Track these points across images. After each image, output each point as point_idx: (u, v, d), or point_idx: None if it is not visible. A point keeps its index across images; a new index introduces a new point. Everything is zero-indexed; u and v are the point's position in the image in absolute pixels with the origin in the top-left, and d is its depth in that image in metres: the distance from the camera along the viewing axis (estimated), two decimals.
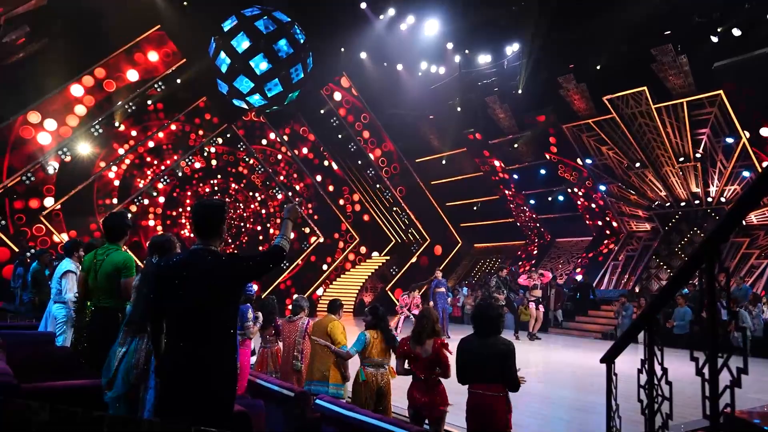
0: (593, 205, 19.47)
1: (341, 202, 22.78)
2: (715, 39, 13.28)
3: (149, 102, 17.52)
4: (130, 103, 16.88)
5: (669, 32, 14.10)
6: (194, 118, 19.17)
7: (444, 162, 21.84)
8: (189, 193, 20.15)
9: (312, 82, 16.68)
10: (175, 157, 19.17)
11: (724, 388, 2.68)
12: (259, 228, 21.73)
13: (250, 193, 21.59)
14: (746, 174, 15.11)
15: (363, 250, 22.97)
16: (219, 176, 20.82)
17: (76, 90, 15.91)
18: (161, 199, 19.51)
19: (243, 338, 6.08)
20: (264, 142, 21.28)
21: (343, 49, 19.21)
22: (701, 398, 2.78)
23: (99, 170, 17.31)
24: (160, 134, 18.76)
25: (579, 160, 18.24)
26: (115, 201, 17.85)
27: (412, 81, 19.83)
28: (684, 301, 13.44)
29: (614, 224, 19.22)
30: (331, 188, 22.46)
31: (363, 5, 17.47)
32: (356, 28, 18.05)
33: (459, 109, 19.48)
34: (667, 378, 3.33)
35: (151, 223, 19.30)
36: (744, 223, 15.51)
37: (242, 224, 21.61)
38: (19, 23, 13.37)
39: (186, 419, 2.85)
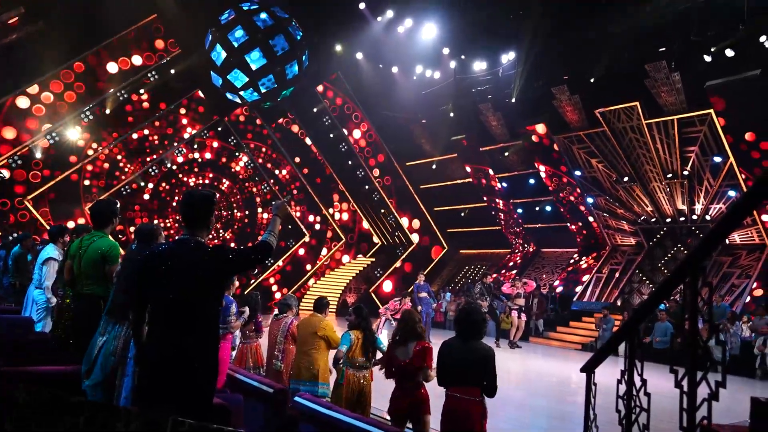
0: (579, 217, 19.60)
1: (329, 201, 22.77)
2: (708, 58, 13.42)
3: (141, 91, 17.41)
4: (122, 91, 16.77)
5: (663, 49, 14.23)
6: (186, 110, 19.07)
7: (434, 167, 21.89)
8: (177, 185, 20.02)
9: (307, 79, 16.65)
10: (165, 148, 19.05)
11: (701, 401, 2.71)
12: (247, 221, 21.64)
13: (239, 187, 21.50)
14: (732, 193, 15.28)
15: (348, 252, 22.96)
16: (208, 169, 20.73)
17: (68, 74, 15.77)
18: (149, 188, 19.36)
19: (224, 332, 6.05)
20: (255, 137, 21.20)
21: (339, 49, 19.21)
22: (679, 411, 2.80)
23: (87, 157, 17.15)
24: (151, 124, 18.63)
25: (568, 172, 18.35)
26: (101, 188, 17.70)
27: (406, 84, 19.86)
28: (665, 316, 13.58)
29: (600, 237, 19.37)
30: (319, 188, 22.42)
31: (362, 5, 17.49)
32: (354, 28, 18.07)
33: (452, 114, 19.54)
34: (646, 389, 3.34)
35: (137, 212, 19.15)
36: (727, 242, 15.69)
37: (230, 218, 21.52)
38: (13, 4, 13.23)
39: (166, 409, 2.84)
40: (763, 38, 12.65)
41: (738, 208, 2.79)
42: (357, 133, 22.26)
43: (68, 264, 5.04)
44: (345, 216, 23.03)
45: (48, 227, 15.16)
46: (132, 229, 18.17)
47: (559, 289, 18.89)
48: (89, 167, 17.47)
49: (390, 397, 4.92)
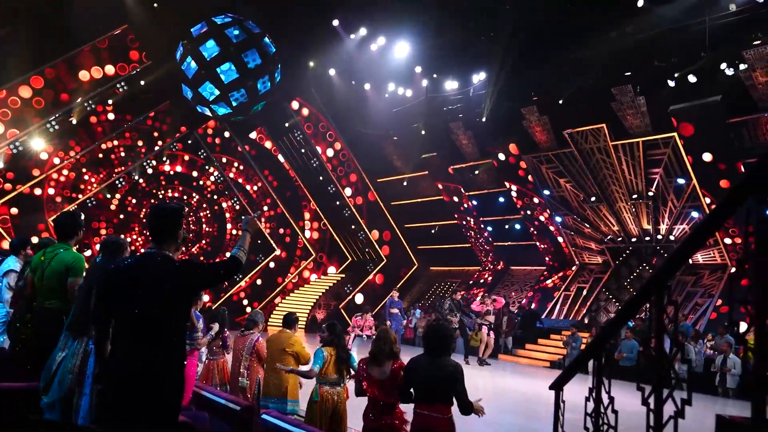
0: (548, 236, 19.86)
1: (299, 217, 22.61)
2: (672, 83, 13.84)
3: (110, 102, 17.09)
4: (90, 102, 16.43)
5: (629, 73, 14.63)
6: (155, 122, 18.81)
7: (405, 183, 21.99)
8: (144, 198, 19.67)
9: (278, 94, 16.63)
10: (133, 160, 18.71)
11: (668, 419, 2.72)
12: (216, 235, 21.34)
13: (208, 202, 21.21)
14: (695, 214, 15.68)
15: (317, 270, 22.76)
16: (176, 182, 20.40)
17: (35, 82, 15.41)
18: (115, 200, 18.94)
19: (191, 348, 5.94)
20: (225, 151, 21.01)
21: (312, 64, 19.25)
22: (645, 428, 2.81)
23: (53, 167, 16.73)
24: (119, 135, 18.29)
25: (536, 190, 18.62)
26: (66, 199, 17.26)
27: (378, 101, 19.98)
28: (631, 334, 13.77)
29: (567, 256, 19.64)
30: (290, 203, 22.26)
31: (335, 22, 17.61)
32: (327, 45, 18.17)
33: (423, 132, 19.71)
34: (614, 407, 3.35)
35: (103, 225, 18.71)
36: (690, 261, 16.05)
37: (198, 232, 21.19)
38: None
39: (128, 426, 2.77)
40: (723, 65, 13.14)
41: (702, 229, 2.86)
42: (329, 150, 22.24)
43: (29, 277, 4.86)
44: (315, 234, 22.88)
45: (9, 239, 14.75)
46: (97, 241, 17.78)
47: (532, 307, 18.98)
48: (54, 175, 17.05)
49: (363, 415, 4.80)
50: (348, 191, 22.51)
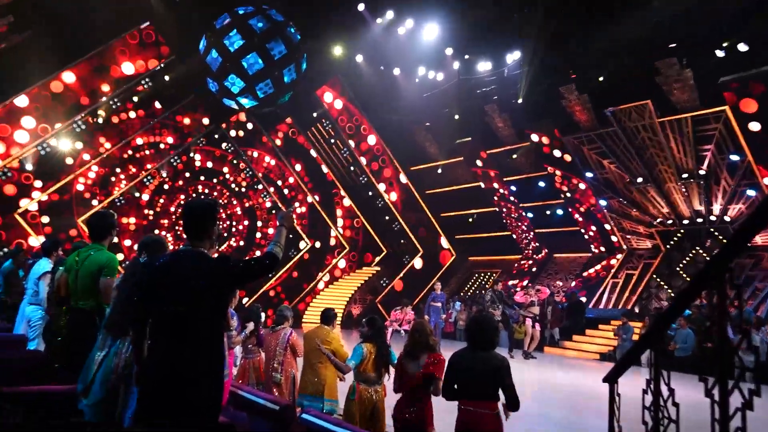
0: (593, 221, 19.18)
1: (331, 209, 22.30)
2: (720, 53, 13.08)
3: (135, 99, 17.02)
4: (116, 99, 16.40)
5: (674, 45, 13.91)
6: (182, 117, 18.75)
7: (440, 171, 21.55)
8: (173, 194, 19.69)
9: (305, 83, 16.36)
10: (161, 157, 18.70)
11: (734, 411, 2.58)
12: (247, 230, 21.27)
13: (238, 197, 21.09)
14: (751, 193, 14.83)
15: (350, 271, 22.44)
16: (203, 177, 20.26)
17: (59, 84, 15.40)
18: (144, 198, 18.98)
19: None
20: (253, 143, 20.80)
21: (339, 51, 18.82)
22: (710, 421, 2.66)
23: (81, 165, 16.80)
24: (146, 132, 18.28)
25: (578, 173, 17.99)
26: (96, 199, 17.37)
27: (408, 86, 19.60)
28: (685, 323, 13.13)
29: (614, 241, 18.93)
30: (321, 194, 21.95)
31: (361, 7, 17.20)
32: (353, 30, 17.80)
33: (456, 116, 19.26)
34: (674, 399, 3.18)
35: (134, 223, 18.78)
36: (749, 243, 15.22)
37: (229, 228, 21.13)
38: (2, 13, 13.05)
39: (169, 426, 2.77)
40: None
41: (765, 207, 2.62)
42: (360, 140, 21.90)
43: (64, 277, 4.88)
44: (348, 230, 22.60)
45: (36, 237, 15.00)
46: (126, 240, 17.98)
47: (578, 296, 18.26)
48: (81, 179, 17.14)
49: (395, 405, 4.71)
50: (381, 181, 22.15)
